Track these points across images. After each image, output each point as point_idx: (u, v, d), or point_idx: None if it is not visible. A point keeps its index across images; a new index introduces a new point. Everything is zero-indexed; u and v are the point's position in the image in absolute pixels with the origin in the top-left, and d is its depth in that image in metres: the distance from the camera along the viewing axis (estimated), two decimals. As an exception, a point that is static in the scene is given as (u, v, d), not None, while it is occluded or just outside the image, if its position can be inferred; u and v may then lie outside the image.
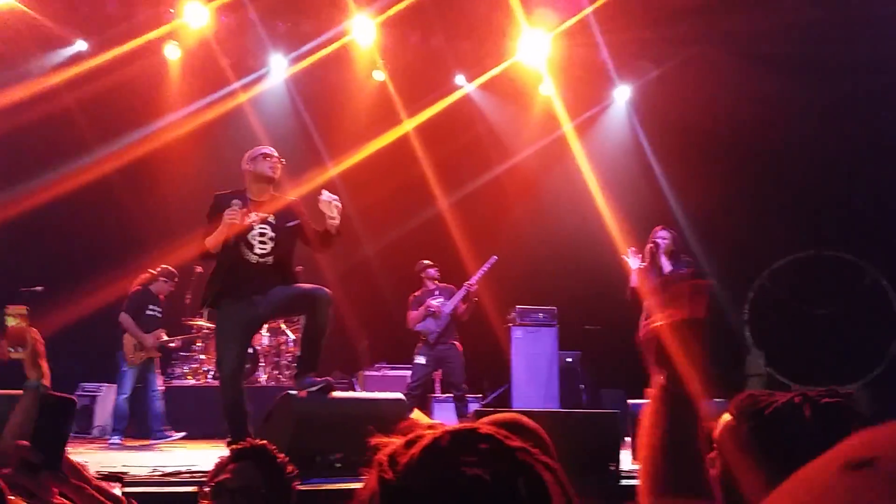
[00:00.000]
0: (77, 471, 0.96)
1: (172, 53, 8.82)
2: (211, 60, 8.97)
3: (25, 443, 0.93)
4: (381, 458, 0.75)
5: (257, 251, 4.20)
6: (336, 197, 4.21)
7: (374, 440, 0.93)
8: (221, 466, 2.00)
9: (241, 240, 4.19)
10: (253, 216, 4.24)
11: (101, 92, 8.21)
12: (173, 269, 7.03)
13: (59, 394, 1.02)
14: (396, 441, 0.78)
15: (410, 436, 0.77)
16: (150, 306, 6.84)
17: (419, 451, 0.72)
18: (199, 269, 7.35)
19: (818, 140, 7.97)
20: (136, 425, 6.87)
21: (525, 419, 1.74)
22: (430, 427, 0.82)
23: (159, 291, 6.95)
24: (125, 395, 6.65)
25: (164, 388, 7.02)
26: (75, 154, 8.28)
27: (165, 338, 6.99)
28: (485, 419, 1.62)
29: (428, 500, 0.70)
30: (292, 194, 4.80)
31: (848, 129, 7.79)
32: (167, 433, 6.71)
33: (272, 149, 4.47)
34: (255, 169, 4.34)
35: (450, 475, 0.69)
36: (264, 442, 2.09)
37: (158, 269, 6.96)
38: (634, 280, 6.14)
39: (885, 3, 7.32)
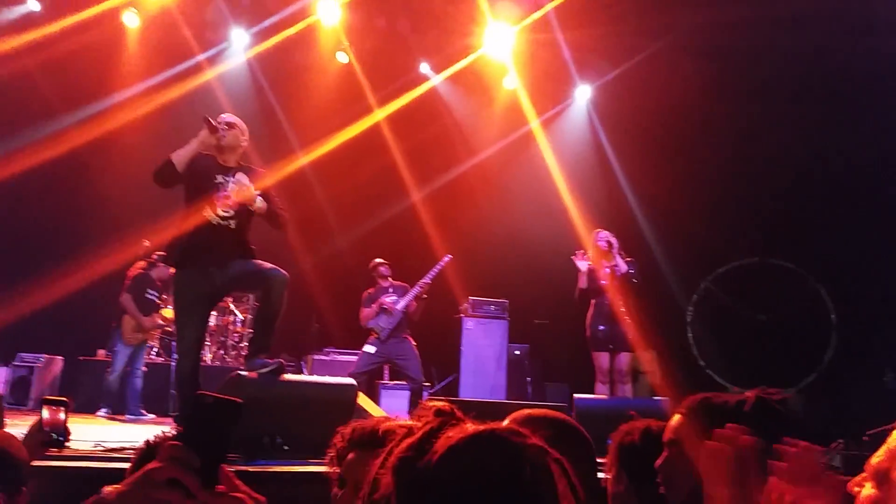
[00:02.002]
0: (229, 479, 0.89)
1: (131, 21, 8.56)
2: (170, 31, 8.74)
3: (177, 443, 0.86)
4: (400, 455, 0.80)
5: (220, 213, 4.15)
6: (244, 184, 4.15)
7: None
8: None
9: (206, 198, 4.15)
10: (220, 178, 4.20)
11: (55, 58, 7.95)
12: None
13: (219, 395, 0.91)
14: (406, 438, 0.84)
15: (421, 433, 0.82)
16: (149, 290, 7.00)
17: (445, 449, 0.78)
18: (146, 242, 7.22)
19: (776, 142, 8.14)
20: (116, 402, 6.94)
21: (565, 417, 1.75)
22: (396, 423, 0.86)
23: (159, 276, 7.05)
24: (117, 373, 6.81)
25: (146, 368, 7.12)
26: (28, 123, 8.01)
27: (161, 322, 7.11)
28: (520, 414, 1.66)
29: (449, 495, 0.75)
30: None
31: (809, 129, 7.94)
32: (141, 412, 6.83)
33: (227, 115, 4.41)
34: (207, 139, 4.28)
35: (471, 473, 0.75)
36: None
37: (156, 254, 6.99)
38: (583, 282, 6.30)
39: None
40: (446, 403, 0.91)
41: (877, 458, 1.18)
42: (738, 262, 8.80)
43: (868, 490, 1.20)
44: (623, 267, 6.21)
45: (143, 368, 7.06)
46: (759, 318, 8.34)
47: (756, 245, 8.69)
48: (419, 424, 0.85)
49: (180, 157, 4.16)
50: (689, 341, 8.68)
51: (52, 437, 2.15)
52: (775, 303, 8.41)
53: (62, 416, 2.17)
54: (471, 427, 0.82)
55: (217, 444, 0.90)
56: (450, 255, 7.13)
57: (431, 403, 0.91)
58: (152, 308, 7.01)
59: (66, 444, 2.20)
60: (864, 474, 1.20)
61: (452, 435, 0.80)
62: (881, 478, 1.16)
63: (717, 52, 8.09)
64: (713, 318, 8.58)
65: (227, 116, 4.40)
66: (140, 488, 0.83)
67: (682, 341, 8.57)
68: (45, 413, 2.16)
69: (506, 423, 1.49)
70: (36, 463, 2.12)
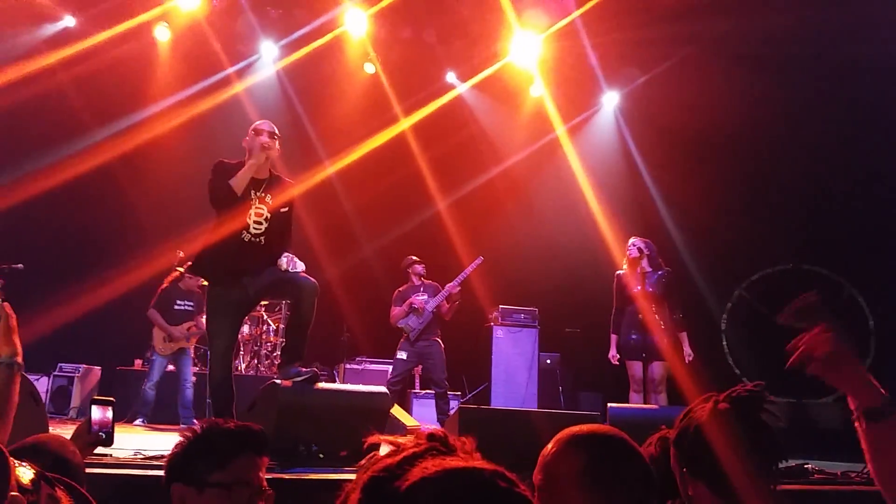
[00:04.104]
0: None
1: (162, 35, 8.73)
2: (200, 45, 8.90)
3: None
4: (373, 474, 0.75)
5: (252, 230, 4.19)
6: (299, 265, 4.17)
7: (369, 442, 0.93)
8: (225, 456, 1.66)
9: (239, 215, 4.17)
10: (253, 194, 4.24)
11: (89, 73, 8.15)
12: None
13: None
14: (385, 458, 0.78)
15: (401, 456, 0.77)
16: (178, 301, 7.15)
17: (417, 478, 0.72)
18: (180, 252, 7.35)
19: (806, 147, 8.03)
20: (165, 411, 7.06)
21: (616, 432, 1.61)
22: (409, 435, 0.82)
23: (189, 287, 7.19)
24: (152, 383, 6.95)
25: (195, 378, 7.21)
26: (64, 136, 8.21)
27: (200, 330, 7.19)
28: (565, 434, 1.52)
29: None
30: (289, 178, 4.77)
31: (839, 135, 7.82)
32: (193, 422, 6.80)
33: (270, 125, 4.38)
34: (250, 145, 4.30)
35: None
36: (258, 426, 1.77)
37: (178, 269, 7.17)
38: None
39: (879, 4, 7.26)
40: (441, 430, 0.85)
41: None
42: (772, 269, 8.66)
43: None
44: (652, 277, 6.16)
45: (193, 378, 7.16)
46: (795, 325, 8.18)
47: (790, 251, 8.55)
48: (408, 445, 0.81)
49: (238, 183, 4.16)
50: (724, 350, 8.56)
51: (100, 437, 2.19)
52: (811, 310, 8.25)
53: (110, 415, 2.21)
54: (454, 461, 0.76)
55: None
56: (482, 257, 7.13)
57: (426, 429, 0.89)
58: (184, 318, 7.14)
59: (113, 443, 2.24)
60: None
61: (430, 466, 0.74)
62: None
63: (747, 58, 8.02)
64: (748, 326, 8.45)
65: (267, 125, 4.40)
66: None
67: (717, 349, 8.45)
68: (95, 412, 2.19)
69: (549, 445, 1.46)
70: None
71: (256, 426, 1.75)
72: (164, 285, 7.22)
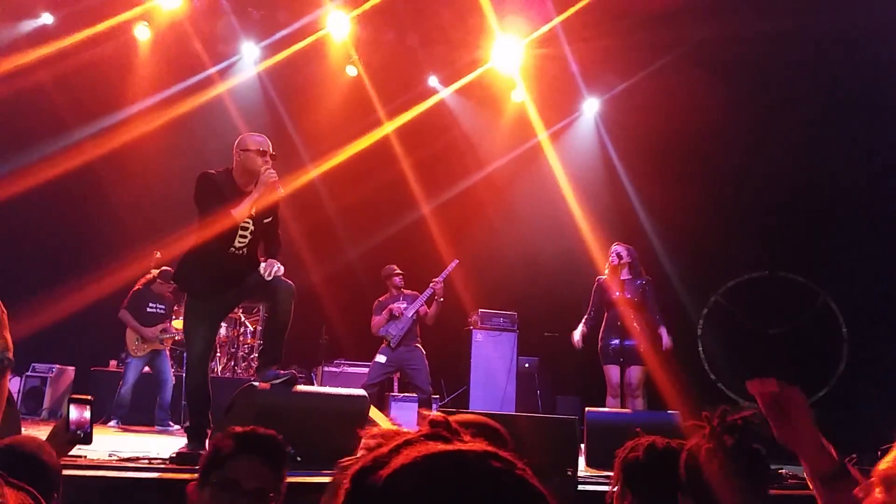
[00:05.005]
0: None
1: (142, 35, 8.65)
2: (181, 45, 8.83)
3: None
4: (363, 463, 0.72)
5: (237, 244, 4.14)
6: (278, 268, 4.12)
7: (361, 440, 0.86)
8: (224, 457, 1.70)
9: (227, 232, 4.10)
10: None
11: (68, 71, 8.03)
12: (171, 270, 7.01)
13: None
14: (371, 451, 0.74)
15: (393, 444, 0.72)
16: (151, 304, 7.10)
17: (397, 465, 0.67)
18: (157, 253, 7.30)
19: (784, 154, 8.13)
20: (139, 414, 7.00)
21: (492, 422, 1.74)
22: (396, 433, 0.77)
23: (160, 291, 7.14)
24: (127, 386, 6.89)
25: (174, 380, 7.12)
26: (43, 135, 8.12)
27: (170, 333, 7.15)
28: (452, 419, 1.59)
29: None
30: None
31: (818, 142, 7.92)
32: (168, 423, 6.86)
33: (267, 143, 4.27)
34: (245, 162, 4.19)
35: (417, 495, 0.64)
36: (272, 432, 1.80)
37: (158, 271, 7.10)
38: (578, 344, 6.33)
39: (862, 9, 7.31)
40: (442, 415, 0.79)
41: (885, 464, 1.25)
42: (748, 276, 8.77)
43: (876, 494, 1.28)
44: (633, 284, 6.23)
45: (172, 379, 7.08)
46: (770, 331, 8.29)
47: (766, 258, 8.66)
48: (407, 433, 0.76)
49: (242, 213, 4.08)
50: (700, 355, 8.64)
51: (78, 435, 2.17)
52: (786, 316, 8.37)
53: (87, 414, 2.20)
54: (442, 446, 0.69)
55: None
56: (457, 260, 7.17)
57: (428, 413, 0.84)
58: (156, 320, 7.08)
59: (92, 442, 2.23)
60: (871, 479, 1.27)
61: (413, 452, 0.68)
62: (889, 483, 1.23)
63: (726, 65, 8.11)
64: (724, 332, 8.55)
65: (265, 143, 4.27)
66: None
67: (693, 355, 8.53)
68: (73, 411, 2.18)
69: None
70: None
71: (270, 432, 1.78)
72: (137, 287, 7.15)
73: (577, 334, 6.31)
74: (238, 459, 1.68)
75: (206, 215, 4.12)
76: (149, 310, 7.07)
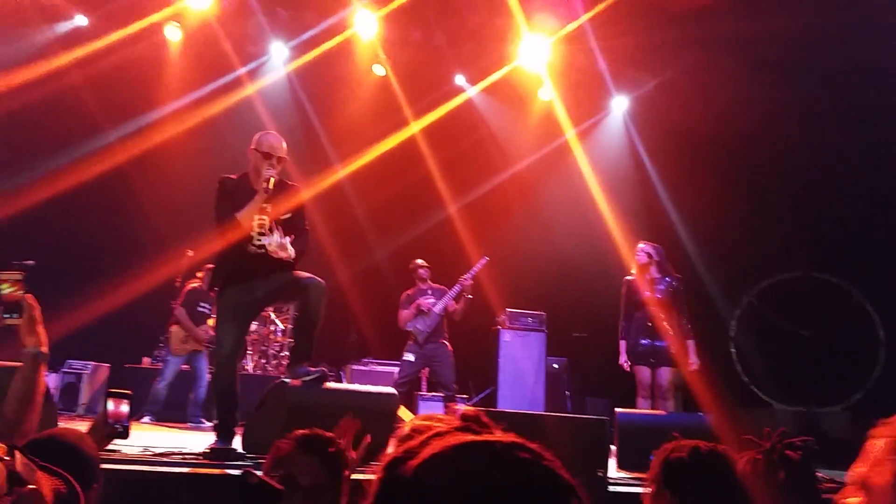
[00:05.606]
0: None
1: (173, 35, 8.76)
2: (211, 45, 8.92)
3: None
4: (394, 455, 0.73)
5: (255, 242, 4.16)
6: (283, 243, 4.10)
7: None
8: (285, 456, 1.90)
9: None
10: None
11: (100, 72, 8.17)
12: None
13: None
14: (403, 442, 0.77)
15: (425, 436, 0.74)
16: (202, 303, 7.17)
17: (427, 456, 0.69)
18: (190, 252, 7.39)
19: (818, 152, 7.96)
20: (173, 410, 7.05)
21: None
22: (427, 427, 0.77)
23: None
24: (165, 382, 6.96)
25: (209, 378, 7.16)
26: (76, 137, 8.26)
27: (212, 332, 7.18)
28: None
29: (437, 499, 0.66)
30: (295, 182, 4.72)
31: (852, 140, 7.75)
32: (201, 420, 6.94)
33: (278, 145, 4.28)
34: (255, 163, 4.25)
35: (447, 485, 0.66)
36: (331, 434, 2.02)
37: (207, 267, 7.12)
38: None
39: (889, 8, 7.17)
40: (474, 409, 0.82)
41: (857, 468, 1.30)
42: (782, 277, 8.61)
43: (855, 500, 1.32)
44: (661, 283, 6.14)
45: (208, 377, 7.13)
46: (804, 333, 8.14)
47: (800, 259, 8.50)
48: (439, 426, 0.78)
49: (245, 217, 4.09)
50: (733, 356, 8.51)
51: (116, 429, 2.20)
52: (820, 318, 8.20)
53: (125, 408, 2.23)
54: (470, 437, 0.71)
55: None
56: (487, 257, 7.14)
57: (461, 408, 0.86)
58: (204, 319, 7.18)
59: (129, 436, 2.26)
60: (848, 486, 1.31)
61: (440, 443, 0.70)
62: (863, 485, 1.26)
63: (757, 61, 7.97)
64: (756, 333, 8.40)
65: (275, 141, 4.29)
66: None
67: (726, 356, 8.40)
68: (111, 405, 2.20)
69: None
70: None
71: (329, 435, 2.02)
72: (193, 286, 7.23)
73: (622, 356, 6.19)
74: (297, 458, 1.87)
75: (217, 220, 4.20)
76: (199, 309, 7.16)
